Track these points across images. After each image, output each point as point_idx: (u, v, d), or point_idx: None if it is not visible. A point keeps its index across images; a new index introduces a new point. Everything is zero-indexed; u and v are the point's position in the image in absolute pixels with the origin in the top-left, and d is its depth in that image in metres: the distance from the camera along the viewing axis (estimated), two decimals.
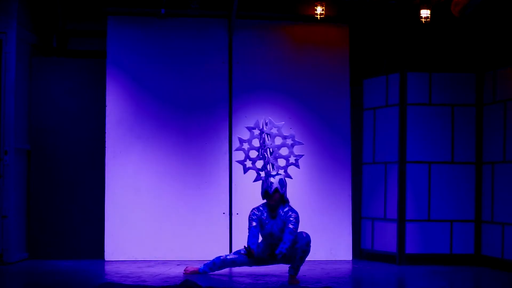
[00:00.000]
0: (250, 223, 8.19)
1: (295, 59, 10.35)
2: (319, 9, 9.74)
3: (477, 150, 9.99)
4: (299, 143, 8.54)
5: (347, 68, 10.44)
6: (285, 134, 8.50)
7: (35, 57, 10.13)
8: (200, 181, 10.14)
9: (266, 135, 8.45)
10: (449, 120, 10.02)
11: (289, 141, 8.48)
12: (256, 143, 8.58)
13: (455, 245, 9.94)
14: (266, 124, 8.47)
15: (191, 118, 10.18)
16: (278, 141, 8.53)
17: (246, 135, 8.72)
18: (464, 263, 9.92)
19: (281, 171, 8.38)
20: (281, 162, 8.48)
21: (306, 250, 8.05)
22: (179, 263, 9.66)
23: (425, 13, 9.59)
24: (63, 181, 10.04)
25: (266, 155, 8.43)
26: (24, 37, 9.84)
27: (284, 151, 8.51)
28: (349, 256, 10.29)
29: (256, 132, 8.55)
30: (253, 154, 8.62)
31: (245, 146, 8.64)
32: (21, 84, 9.80)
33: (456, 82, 10.05)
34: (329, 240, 10.24)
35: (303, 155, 8.61)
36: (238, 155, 8.94)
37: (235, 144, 10.07)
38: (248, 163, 8.65)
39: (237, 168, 10.07)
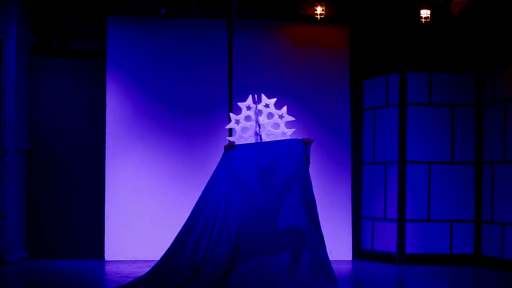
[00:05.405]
0: None
1: (295, 59, 10.35)
2: (319, 9, 9.75)
3: (477, 150, 9.99)
4: (290, 119, 8.44)
5: (347, 68, 10.44)
6: (276, 110, 8.43)
7: (35, 57, 10.12)
8: (200, 181, 10.11)
9: (257, 111, 8.38)
10: (449, 120, 10.02)
11: (278, 117, 8.37)
12: (248, 119, 8.50)
13: (455, 245, 9.94)
14: (260, 101, 8.41)
15: (191, 118, 10.18)
16: (270, 117, 8.45)
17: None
18: (464, 263, 9.92)
19: None
20: (273, 138, 8.40)
21: None
22: None
23: (425, 13, 9.60)
24: (63, 181, 10.04)
25: (257, 131, 8.39)
26: (24, 37, 9.84)
27: (275, 127, 8.46)
28: (349, 256, 10.29)
29: (245, 109, 8.40)
30: (245, 131, 8.52)
31: (239, 121, 8.48)
32: (21, 84, 9.80)
33: (456, 82, 10.05)
34: (329, 240, 10.20)
35: (294, 130, 8.48)
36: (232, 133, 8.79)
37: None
38: (240, 140, 8.56)
39: None
